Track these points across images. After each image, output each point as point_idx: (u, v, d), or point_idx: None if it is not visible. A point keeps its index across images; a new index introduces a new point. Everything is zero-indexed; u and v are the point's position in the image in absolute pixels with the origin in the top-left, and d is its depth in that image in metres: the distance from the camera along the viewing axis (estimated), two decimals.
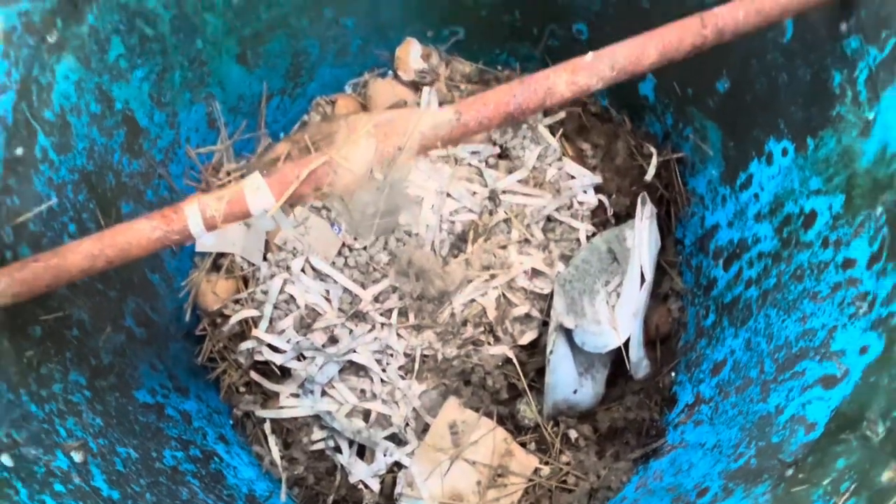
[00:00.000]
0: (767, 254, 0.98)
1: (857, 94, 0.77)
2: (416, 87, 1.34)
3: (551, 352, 1.06)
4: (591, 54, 0.69)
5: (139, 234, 0.65)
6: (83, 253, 0.65)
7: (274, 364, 1.15)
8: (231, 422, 1.22)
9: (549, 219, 1.20)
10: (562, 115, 1.29)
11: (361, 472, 1.15)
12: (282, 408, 1.18)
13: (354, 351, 1.11)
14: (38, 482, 0.60)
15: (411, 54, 1.32)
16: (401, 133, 0.66)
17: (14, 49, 0.74)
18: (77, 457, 0.66)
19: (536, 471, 1.13)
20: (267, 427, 1.19)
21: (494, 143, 1.21)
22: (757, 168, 1.02)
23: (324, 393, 1.16)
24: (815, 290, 0.81)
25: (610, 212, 1.25)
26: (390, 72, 1.38)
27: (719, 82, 1.06)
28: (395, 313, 1.11)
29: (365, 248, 1.11)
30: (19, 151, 0.75)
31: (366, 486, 1.16)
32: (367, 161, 0.65)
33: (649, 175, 1.22)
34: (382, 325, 1.11)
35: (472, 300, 1.12)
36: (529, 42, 1.32)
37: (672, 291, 1.27)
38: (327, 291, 1.12)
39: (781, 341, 0.86)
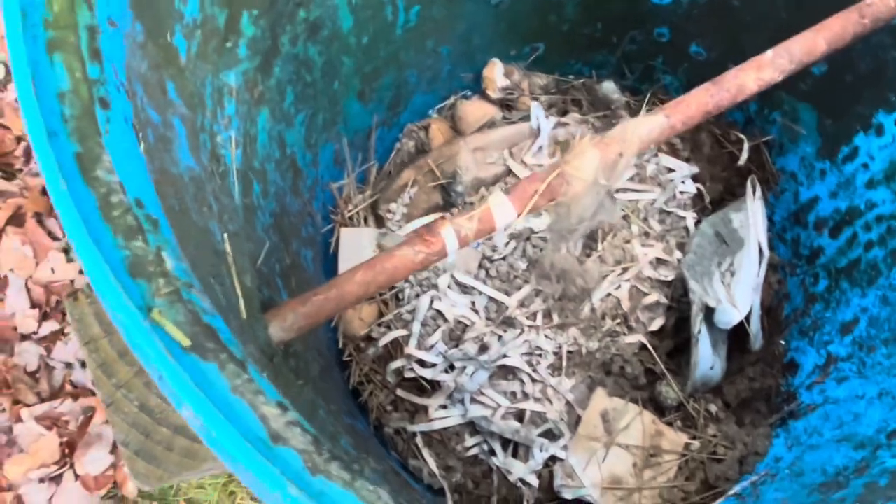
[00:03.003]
0: (889, 216, 1.07)
1: None
2: (501, 104, 1.42)
3: (699, 331, 1.14)
4: (770, 52, 0.78)
5: (405, 259, 0.71)
6: (358, 282, 0.71)
7: (424, 379, 1.21)
8: (379, 440, 1.28)
9: (659, 210, 1.28)
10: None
11: (520, 471, 1.21)
12: (432, 420, 1.23)
13: (506, 355, 1.18)
14: None
15: (496, 73, 1.40)
16: (619, 140, 0.74)
17: (241, 106, 0.80)
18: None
19: (687, 446, 1.20)
20: (419, 440, 1.24)
21: None
22: (863, 140, 1.11)
23: (472, 401, 1.22)
24: None
25: (707, 199, 1.34)
26: (469, 92, 1.46)
27: (814, 66, 1.15)
28: (539, 315, 1.18)
29: (504, 258, 1.18)
30: (247, 201, 0.81)
31: (525, 484, 1.22)
32: (594, 169, 0.72)
33: (743, 158, 1.32)
34: (530, 327, 1.18)
35: (609, 294, 1.19)
36: (606, 49, 1.40)
37: (770, 265, 1.36)
38: (473, 303, 1.18)
39: None
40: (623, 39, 1.36)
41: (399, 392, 1.24)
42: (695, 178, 1.34)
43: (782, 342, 1.31)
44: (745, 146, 1.32)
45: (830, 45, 0.78)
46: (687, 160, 1.35)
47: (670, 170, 1.32)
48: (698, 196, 1.34)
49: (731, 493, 1.14)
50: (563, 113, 1.42)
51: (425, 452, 1.25)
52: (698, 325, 1.14)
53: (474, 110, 1.41)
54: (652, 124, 0.74)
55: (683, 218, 1.29)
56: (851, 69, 1.09)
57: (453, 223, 0.73)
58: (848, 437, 0.98)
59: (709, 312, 1.16)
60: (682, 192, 1.31)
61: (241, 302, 0.62)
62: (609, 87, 1.41)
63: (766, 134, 1.32)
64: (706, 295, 1.14)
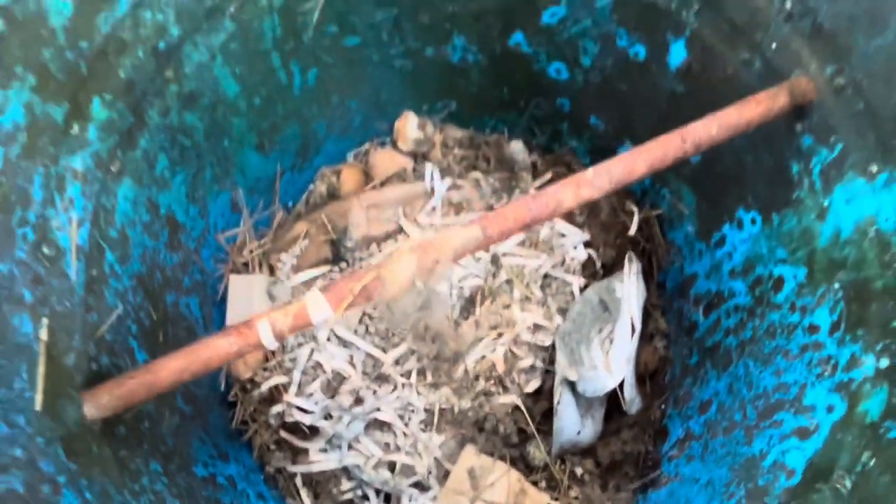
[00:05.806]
0: (743, 308, 1.11)
1: (813, 184, 0.91)
2: (414, 155, 1.46)
3: (558, 402, 1.19)
4: (591, 170, 0.82)
5: (219, 349, 0.76)
6: (172, 369, 0.75)
7: (303, 424, 1.26)
8: (262, 478, 1.33)
9: (545, 276, 1.33)
10: (548, 177, 1.43)
11: None
12: (311, 462, 1.29)
13: (379, 409, 1.23)
14: None
15: (408, 126, 1.44)
16: (437, 248, 0.78)
17: (88, 186, 0.84)
18: None
19: None
20: (298, 480, 1.30)
21: None
22: (729, 230, 1.16)
23: (350, 447, 1.27)
24: (786, 348, 0.95)
25: (598, 264, 1.39)
26: (388, 140, 1.50)
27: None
28: (414, 373, 1.23)
29: (383, 317, 1.22)
30: (94, 272, 0.85)
31: None
32: (410, 274, 0.77)
33: (632, 230, 1.36)
34: (403, 384, 1.23)
35: (483, 356, 1.24)
36: (516, 112, 1.44)
37: (657, 331, 1.40)
38: (351, 357, 1.23)
39: (760, 390, 1.00)
40: (529, 104, 1.41)
41: (282, 433, 1.29)
42: (588, 244, 1.39)
43: (662, 407, 1.37)
44: (636, 218, 1.36)
45: (650, 168, 0.83)
46: (581, 225, 1.39)
47: (563, 235, 1.37)
48: (590, 261, 1.38)
49: None
50: (472, 168, 1.46)
51: (303, 493, 1.30)
52: (559, 396, 1.19)
53: (385, 160, 1.45)
54: (468, 236, 0.79)
55: (570, 283, 1.34)
56: (720, 163, 1.13)
57: (269, 317, 0.77)
58: None
59: (573, 383, 1.21)
60: (572, 258, 1.36)
61: (37, 395, 0.67)
62: (517, 148, 1.45)
63: (657, 208, 1.36)
64: (568, 368, 1.19)
